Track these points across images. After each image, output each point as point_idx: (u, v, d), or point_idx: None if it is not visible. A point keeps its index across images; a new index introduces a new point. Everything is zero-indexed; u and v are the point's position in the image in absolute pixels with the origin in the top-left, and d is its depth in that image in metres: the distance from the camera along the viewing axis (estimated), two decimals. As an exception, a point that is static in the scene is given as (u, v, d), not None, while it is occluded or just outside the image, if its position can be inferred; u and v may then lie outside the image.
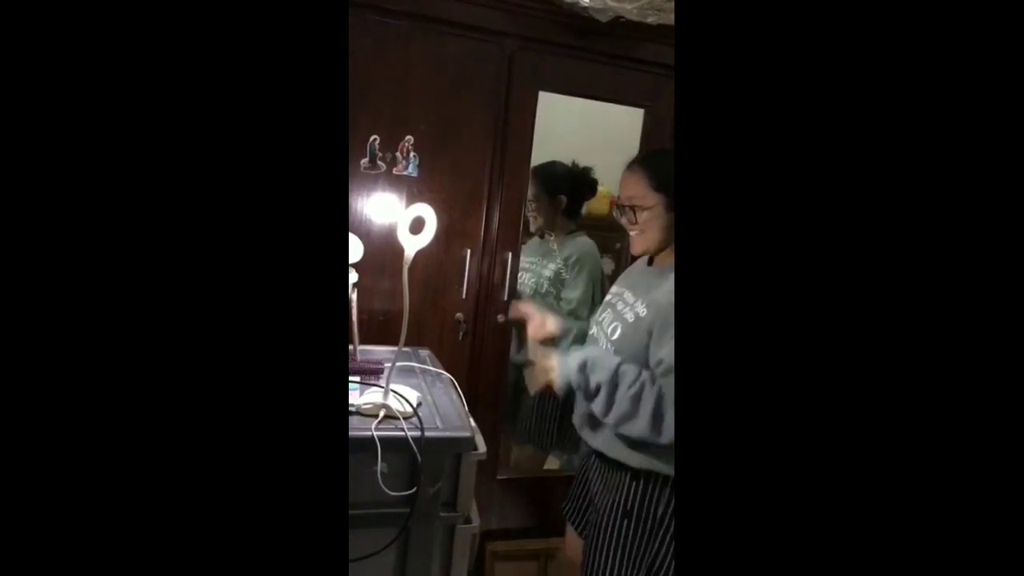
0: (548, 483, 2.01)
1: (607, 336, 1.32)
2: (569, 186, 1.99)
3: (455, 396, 1.30)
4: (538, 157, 1.81)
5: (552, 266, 1.95)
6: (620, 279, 1.45)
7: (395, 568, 1.15)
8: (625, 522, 1.30)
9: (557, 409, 1.96)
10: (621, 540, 1.30)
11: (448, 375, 1.41)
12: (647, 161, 1.34)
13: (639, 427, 1.19)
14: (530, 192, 1.88)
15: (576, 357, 1.27)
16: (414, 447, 1.08)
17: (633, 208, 1.31)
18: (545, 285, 1.95)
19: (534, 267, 1.99)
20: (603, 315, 1.38)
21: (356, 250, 1.46)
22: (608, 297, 1.42)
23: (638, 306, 1.29)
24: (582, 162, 2.01)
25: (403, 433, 1.09)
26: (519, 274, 1.84)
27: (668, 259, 1.34)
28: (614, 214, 1.40)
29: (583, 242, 1.97)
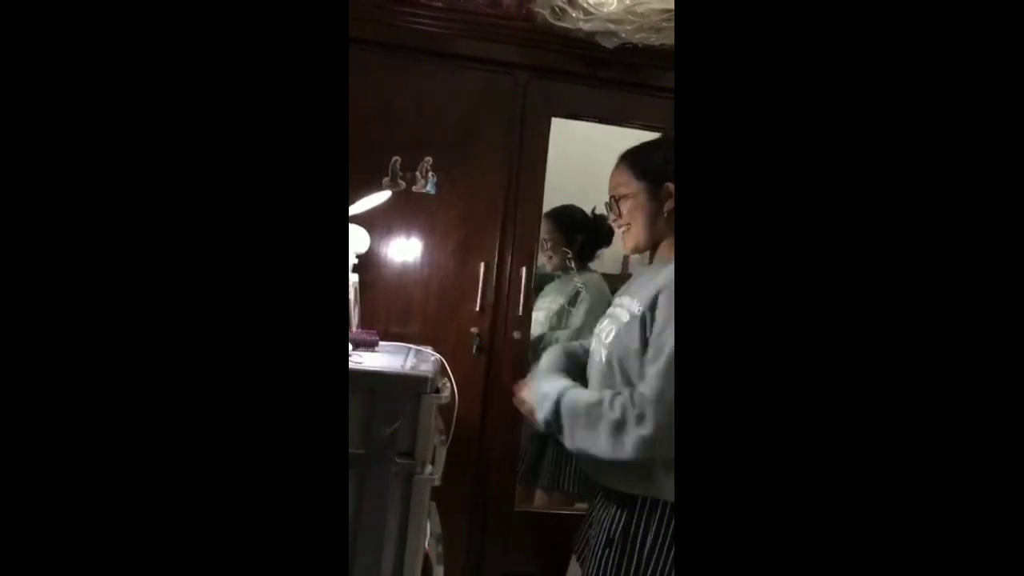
0: (572, 520, 1.87)
1: (602, 342, 1.25)
2: (584, 229, 2.04)
3: (433, 358, 1.29)
4: (555, 179, 1.88)
5: (561, 300, 1.98)
6: (620, 290, 1.41)
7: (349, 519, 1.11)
8: (607, 551, 1.19)
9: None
10: (604, 571, 1.19)
11: (436, 354, 1.41)
12: (629, 152, 1.34)
13: (600, 447, 1.12)
14: (544, 231, 1.93)
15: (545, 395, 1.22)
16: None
17: (617, 200, 1.30)
18: (553, 320, 1.97)
19: (549, 304, 2.02)
20: (602, 325, 1.32)
21: (362, 241, 1.55)
22: (609, 309, 1.37)
23: (634, 305, 1.23)
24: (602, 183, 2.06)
25: (358, 365, 1.10)
26: (534, 312, 1.87)
27: (666, 253, 1.29)
28: (604, 213, 1.40)
29: (589, 276, 2.02)
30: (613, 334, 1.23)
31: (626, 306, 1.24)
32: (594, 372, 1.28)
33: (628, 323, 1.19)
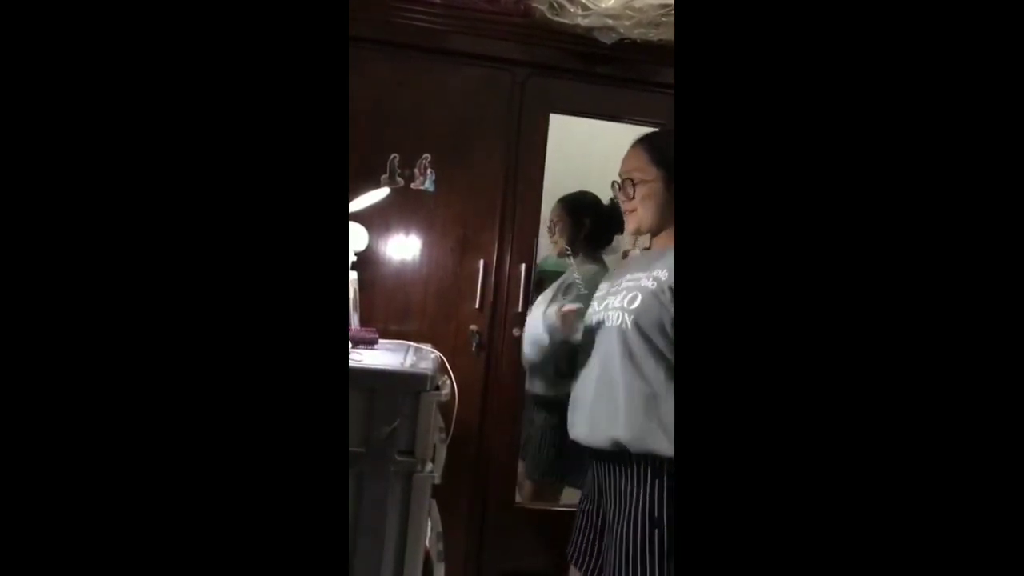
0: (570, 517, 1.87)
1: (624, 308, 1.23)
2: (595, 213, 2.01)
3: (432, 356, 1.29)
4: (554, 175, 1.87)
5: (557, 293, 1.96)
6: (615, 272, 1.40)
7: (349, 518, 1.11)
8: (656, 532, 1.16)
9: (557, 440, 1.89)
10: (650, 552, 1.16)
11: (436, 351, 1.41)
12: (649, 137, 1.34)
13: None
14: (554, 215, 1.93)
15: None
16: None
17: (632, 182, 1.30)
18: None
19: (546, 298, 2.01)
20: (610, 297, 1.30)
21: (361, 239, 1.55)
22: (608, 286, 1.36)
23: (656, 271, 1.23)
24: (600, 180, 2.04)
25: (357, 363, 1.10)
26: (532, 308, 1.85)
27: (665, 242, 1.30)
28: (612, 191, 1.39)
29: (588, 269, 1.97)
30: (639, 300, 1.21)
31: (641, 277, 1.24)
32: (610, 338, 1.24)
33: (656, 289, 1.19)
